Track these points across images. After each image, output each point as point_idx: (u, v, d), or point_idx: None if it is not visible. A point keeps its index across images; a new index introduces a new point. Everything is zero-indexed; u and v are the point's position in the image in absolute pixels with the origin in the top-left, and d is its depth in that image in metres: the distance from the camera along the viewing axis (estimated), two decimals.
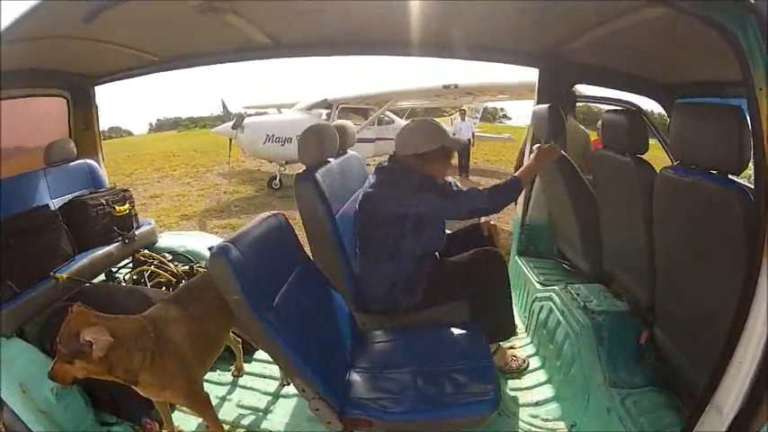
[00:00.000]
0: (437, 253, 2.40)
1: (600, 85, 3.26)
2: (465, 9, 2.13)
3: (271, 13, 2.25)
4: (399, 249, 2.24)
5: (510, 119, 37.83)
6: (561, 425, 2.16)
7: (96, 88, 3.53)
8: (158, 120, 55.30)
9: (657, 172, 1.87)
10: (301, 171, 2.32)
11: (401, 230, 2.21)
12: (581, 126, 4.28)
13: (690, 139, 1.65)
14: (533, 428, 2.15)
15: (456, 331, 2.08)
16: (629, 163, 2.06)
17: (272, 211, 1.97)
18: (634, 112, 2.30)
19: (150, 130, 50.42)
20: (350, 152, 2.86)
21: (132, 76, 3.33)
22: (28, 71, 2.83)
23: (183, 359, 1.91)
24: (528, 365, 2.59)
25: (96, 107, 3.58)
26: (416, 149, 2.26)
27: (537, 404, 2.31)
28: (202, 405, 2.03)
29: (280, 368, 2.49)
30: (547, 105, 2.65)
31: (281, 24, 2.48)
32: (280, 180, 10.92)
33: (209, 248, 3.17)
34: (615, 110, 2.38)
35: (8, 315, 2.25)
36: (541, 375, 2.50)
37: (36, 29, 2.05)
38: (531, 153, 2.82)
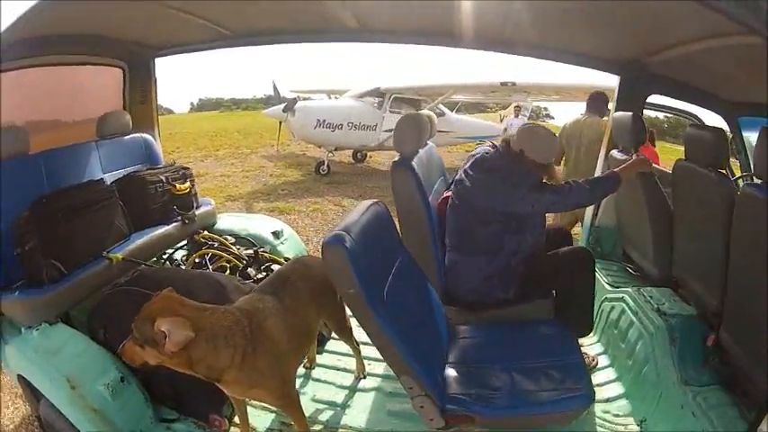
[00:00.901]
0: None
1: (672, 97, 3.27)
2: (557, 12, 2.17)
3: None
4: (501, 246, 2.28)
5: (553, 118, 36.81)
6: (630, 420, 2.23)
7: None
8: (200, 99, 56.11)
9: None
10: (397, 159, 2.35)
11: (505, 227, 2.25)
12: None
13: None
14: (606, 423, 2.21)
15: (542, 328, 2.19)
16: (711, 177, 2.13)
17: (374, 200, 1.91)
18: (718, 129, 2.33)
19: (191, 109, 51.15)
20: (429, 143, 2.78)
21: (197, 50, 3.14)
22: (82, 36, 2.60)
23: (279, 356, 1.74)
24: (597, 363, 2.64)
25: (155, 80, 3.35)
26: (535, 156, 2.26)
27: (608, 400, 2.37)
28: (293, 404, 1.90)
29: (357, 362, 2.46)
30: (630, 114, 2.71)
31: (373, 7, 2.39)
32: (328, 166, 10.73)
33: (274, 233, 3.13)
34: (699, 125, 2.55)
35: (52, 299, 2.04)
36: (611, 373, 2.56)
37: None
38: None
